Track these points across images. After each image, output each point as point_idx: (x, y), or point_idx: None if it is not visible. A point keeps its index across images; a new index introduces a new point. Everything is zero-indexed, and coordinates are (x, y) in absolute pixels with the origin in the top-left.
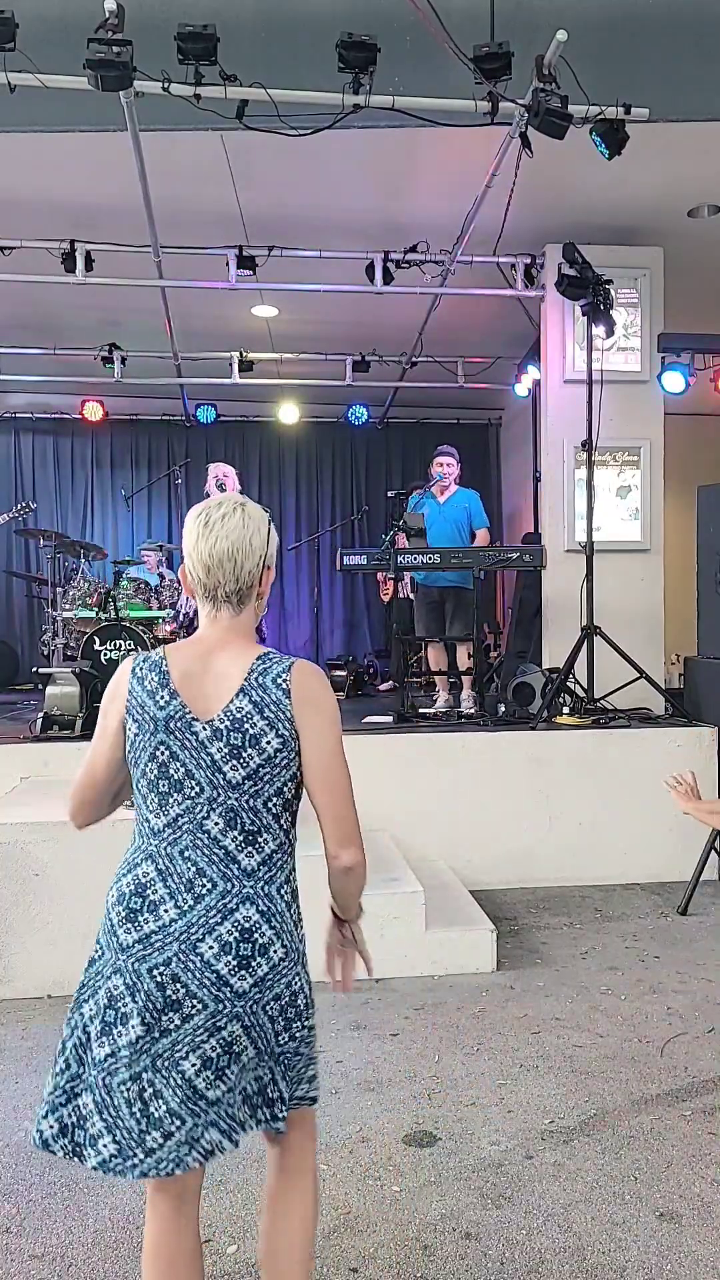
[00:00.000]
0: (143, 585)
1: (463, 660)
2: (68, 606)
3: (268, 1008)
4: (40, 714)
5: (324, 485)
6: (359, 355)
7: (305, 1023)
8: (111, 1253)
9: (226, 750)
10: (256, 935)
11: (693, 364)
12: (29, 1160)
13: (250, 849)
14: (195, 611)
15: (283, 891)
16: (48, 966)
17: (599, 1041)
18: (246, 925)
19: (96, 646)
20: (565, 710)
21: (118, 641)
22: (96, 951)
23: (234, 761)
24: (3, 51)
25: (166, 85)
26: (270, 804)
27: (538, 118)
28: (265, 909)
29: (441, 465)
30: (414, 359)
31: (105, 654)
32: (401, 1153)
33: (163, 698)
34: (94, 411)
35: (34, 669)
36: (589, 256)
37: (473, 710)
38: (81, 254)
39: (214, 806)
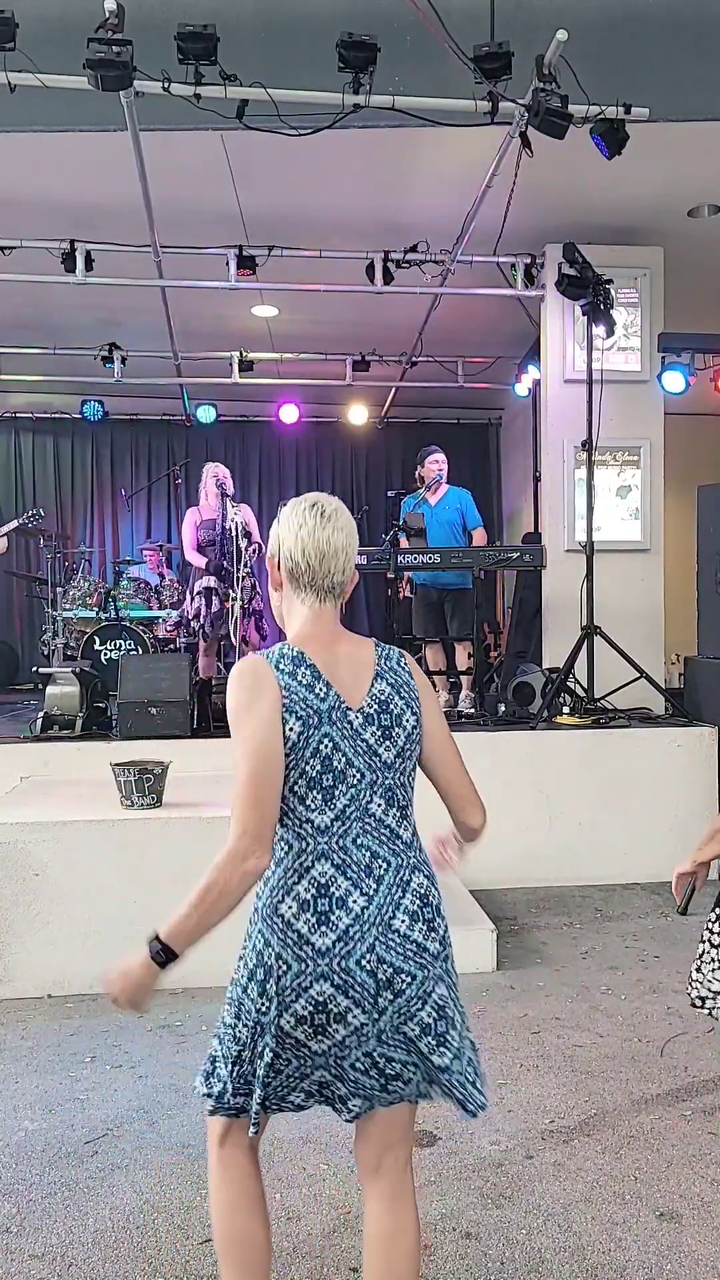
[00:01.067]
0: (143, 585)
1: (462, 660)
2: (68, 606)
3: (452, 965)
4: (40, 714)
5: (324, 485)
6: (359, 355)
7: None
8: (111, 1253)
9: (379, 733)
10: (431, 898)
11: (693, 364)
12: (29, 1160)
13: (405, 821)
14: (199, 613)
15: (426, 856)
16: (48, 966)
17: (599, 1041)
18: (422, 891)
19: (96, 646)
20: (565, 710)
21: (118, 641)
22: (281, 967)
23: (386, 742)
24: (3, 51)
25: (166, 85)
26: (411, 777)
27: (538, 118)
28: (429, 873)
29: (439, 464)
30: (414, 359)
31: (105, 654)
32: None
33: (321, 690)
34: (94, 411)
35: (34, 669)
36: (589, 256)
37: (473, 710)
38: (81, 254)
39: (375, 789)
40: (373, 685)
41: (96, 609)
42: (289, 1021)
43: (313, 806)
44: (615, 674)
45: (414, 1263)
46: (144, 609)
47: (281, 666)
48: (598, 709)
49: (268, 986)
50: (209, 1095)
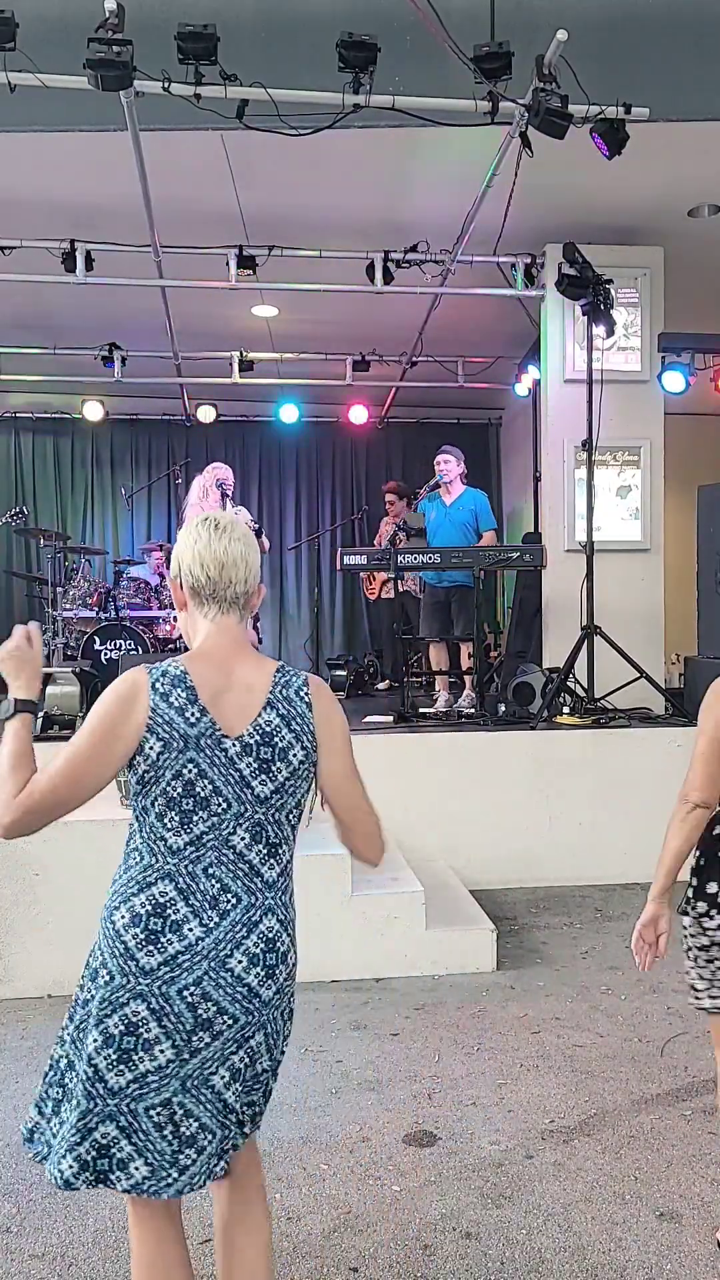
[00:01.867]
0: (143, 585)
1: (465, 660)
2: (68, 606)
3: (283, 1014)
4: (40, 714)
5: (324, 485)
6: (359, 355)
7: (287, 1040)
8: (111, 1253)
9: (256, 765)
10: (278, 944)
11: (693, 364)
12: (29, 1160)
13: (272, 861)
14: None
15: (292, 900)
16: (48, 966)
17: (599, 1041)
18: (270, 935)
19: (96, 646)
20: (565, 710)
21: (118, 641)
22: (105, 976)
23: (263, 776)
24: (3, 51)
25: (166, 85)
26: (290, 816)
27: (538, 117)
28: (284, 918)
29: (442, 464)
30: (414, 359)
31: (105, 654)
32: (401, 1152)
33: (193, 714)
34: (94, 411)
35: None
36: (589, 256)
37: (473, 710)
38: (81, 254)
39: (240, 821)
40: (260, 714)
41: (96, 609)
42: (95, 1040)
43: (169, 826)
44: (615, 674)
45: (266, 1254)
46: (144, 609)
47: (158, 686)
48: (598, 709)
49: (90, 990)
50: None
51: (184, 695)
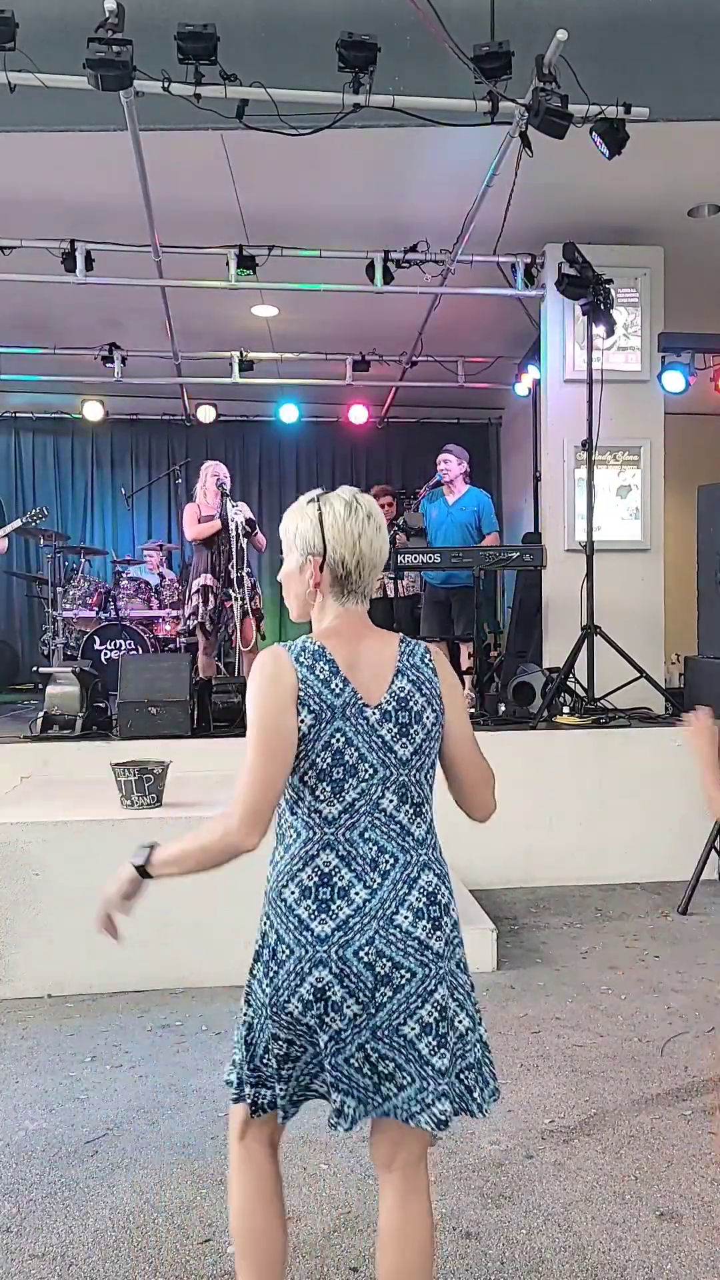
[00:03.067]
0: (143, 585)
1: (465, 660)
2: (68, 606)
3: (459, 966)
4: (40, 714)
5: (324, 485)
6: (359, 355)
7: (473, 993)
8: (111, 1253)
9: (396, 730)
10: (439, 896)
11: (693, 364)
12: (29, 1160)
13: (419, 819)
14: (196, 611)
15: (442, 855)
16: (48, 966)
17: (599, 1041)
18: (430, 890)
19: (96, 646)
20: (565, 710)
21: (118, 641)
22: (284, 952)
23: (403, 739)
24: (3, 51)
25: (166, 85)
26: (429, 775)
27: (538, 117)
28: (439, 872)
29: (443, 463)
30: (414, 359)
31: (105, 654)
32: None
33: (337, 685)
34: (94, 411)
35: (34, 669)
36: (589, 256)
37: (473, 710)
38: (81, 254)
39: (388, 785)
40: (393, 682)
41: (96, 609)
42: (297, 1007)
43: (321, 797)
44: (615, 674)
45: (426, 1257)
46: (144, 608)
47: (301, 659)
48: (598, 709)
49: (271, 968)
50: (229, 1083)
51: (326, 668)
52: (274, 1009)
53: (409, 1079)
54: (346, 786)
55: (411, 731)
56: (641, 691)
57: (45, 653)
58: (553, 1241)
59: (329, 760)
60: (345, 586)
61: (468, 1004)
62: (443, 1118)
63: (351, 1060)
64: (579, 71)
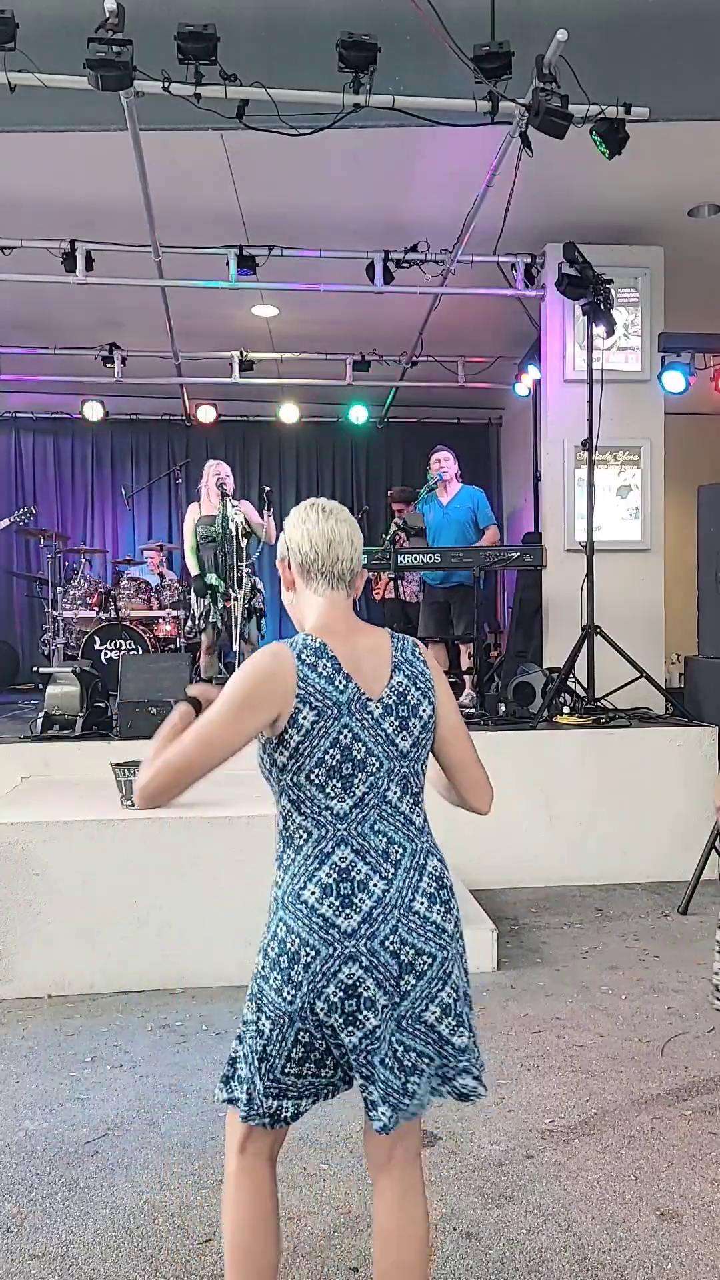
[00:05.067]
0: (143, 585)
1: (465, 660)
2: (68, 606)
3: (463, 945)
4: (40, 714)
5: (324, 485)
6: (359, 355)
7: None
8: (111, 1253)
9: (397, 723)
10: (444, 879)
11: (693, 363)
12: (29, 1160)
13: (417, 808)
14: (206, 612)
15: (436, 841)
16: (48, 966)
17: (599, 1041)
18: (437, 874)
19: (97, 646)
20: (565, 710)
21: (118, 641)
22: (308, 955)
23: (403, 732)
24: (3, 51)
25: (166, 85)
26: (424, 766)
27: (538, 117)
28: (440, 856)
29: (439, 463)
30: (414, 359)
31: (105, 654)
32: None
33: (340, 682)
34: (94, 411)
35: (34, 669)
36: (589, 256)
37: (473, 710)
38: (81, 254)
39: (392, 777)
40: (391, 677)
41: (96, 609)
42: (323, 1009)
43: (332, 794)
44: (615, 674)
45: (423, 1256)
46: (144, 609)
47: (303, 657)
48: (598, 709)
49: (294, 973)
50: (233, 1101)
51: (329, 665)
52: (300, 1014)
53: (427, 1066)
54: (356, 781)
55: (410, 724)
56: (641, 691)
57: (45, 653)
58: (553, 1241)
59: (337, 756)
60: (310, 571)
61: (463, 981)
62: (465, 1090)
63: (385, 1060)
64: (579, 71)
